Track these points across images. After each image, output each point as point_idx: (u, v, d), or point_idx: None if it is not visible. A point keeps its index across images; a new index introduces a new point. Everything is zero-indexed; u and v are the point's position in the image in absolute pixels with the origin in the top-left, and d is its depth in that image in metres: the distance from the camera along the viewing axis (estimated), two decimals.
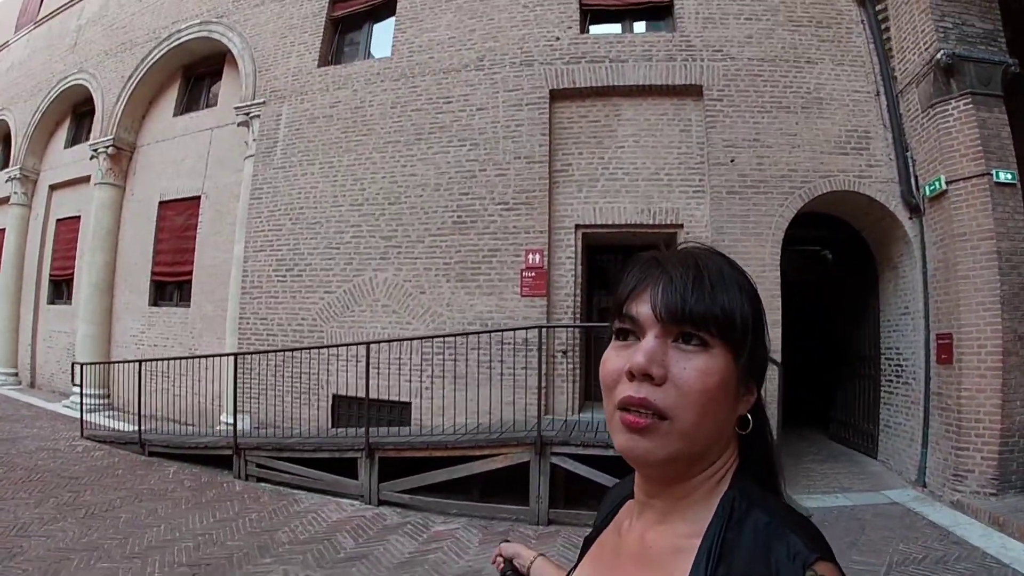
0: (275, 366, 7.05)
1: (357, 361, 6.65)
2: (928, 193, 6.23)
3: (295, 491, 5.95)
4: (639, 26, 7.55)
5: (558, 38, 7.18)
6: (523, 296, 6.67)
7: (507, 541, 1.15)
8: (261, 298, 7.85)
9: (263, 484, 6.19)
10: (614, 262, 7.53)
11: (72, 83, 11.12)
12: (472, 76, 7.31)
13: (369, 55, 8.39)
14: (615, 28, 7.50)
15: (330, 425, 7.21)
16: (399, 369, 6.41)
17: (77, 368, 8.05)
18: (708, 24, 6.97)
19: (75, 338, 10.43)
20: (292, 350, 7.04)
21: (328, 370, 6.99)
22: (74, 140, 11.72)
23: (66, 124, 11.88)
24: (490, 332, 6.25)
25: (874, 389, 7.20)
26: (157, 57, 9.83)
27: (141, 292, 9.71)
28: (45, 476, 5.96)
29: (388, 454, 5.75)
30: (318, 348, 7.00)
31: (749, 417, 0.67)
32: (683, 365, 0.60)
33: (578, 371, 6.62)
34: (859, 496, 5.81)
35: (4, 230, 12.20)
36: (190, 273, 9.14)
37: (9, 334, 11.71)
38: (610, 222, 6.78)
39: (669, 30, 7.20)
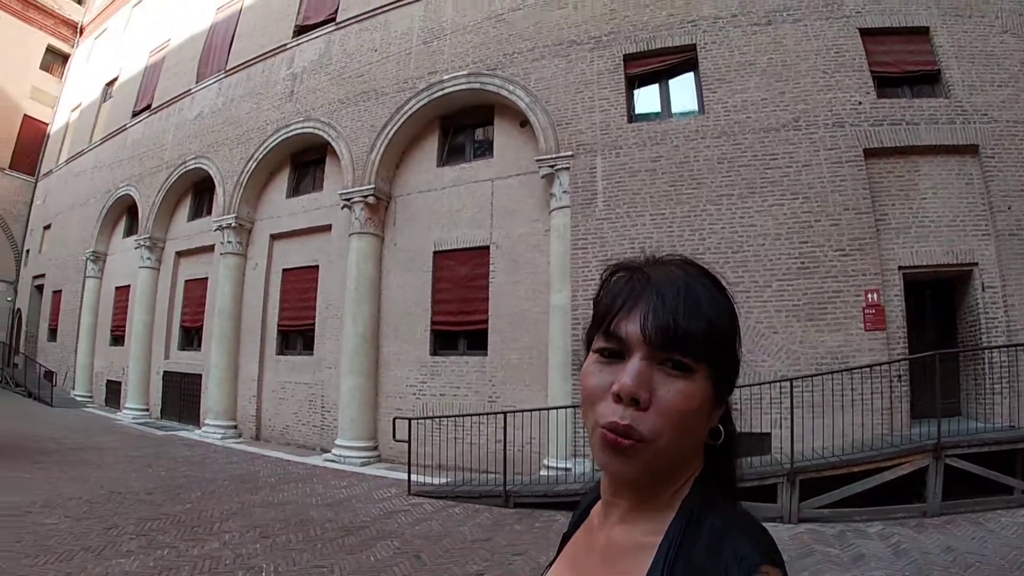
0: None
1: None
2: None
3: None
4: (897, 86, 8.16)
5: (860, 102, 7.75)
6: (866, 330, 7.21)
7: None
8: None
9: None
10: (926, 296, 8.13)
11: (297, 132, 10.93)
12: (791, 135, 7.74)
13: (670, 111, 8.69)
14: (895, 91, 8.08)
15: None
16: (759, 403, 6.99)
17: (402, 424, 7.74)
18: (973, 91, 7.71)
19: (322, 390, 10.21)
20: None
21: None
22: (296, 190, 11.48)
23: (284, 174, 11.59)
24: (851, 370, 6.89)
25: None
26: (416, 107, 9.75)
27: (418, 342, 9.45)
28: (454, 545, 5.43)
29: (809, 475, 6.21)
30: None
31: (720, 428, 0.69)
32: (667, 388, 0.62)
33: (907, 391, 7.21)
34: None
35: (206, 279, 11.85)
36: (484, 322, 8.98)
37: (227, 385, 11.15)
38: (923, 263, 7.46)
39: (941, 95, 7.89)
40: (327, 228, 10.69)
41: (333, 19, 11.60)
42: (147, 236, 13.56)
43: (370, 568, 4.73)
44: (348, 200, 9.97)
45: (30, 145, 21.19)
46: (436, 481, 7.89)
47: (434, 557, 5.04)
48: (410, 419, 7.95)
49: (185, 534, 5.39)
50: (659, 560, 0.62)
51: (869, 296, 7.41)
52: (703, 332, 0.62)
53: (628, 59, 8.81)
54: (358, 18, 11.19)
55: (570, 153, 8.62)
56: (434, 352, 9.49)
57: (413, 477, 7.68)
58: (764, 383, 6.97)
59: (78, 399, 15.34)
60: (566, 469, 7.79)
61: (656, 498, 0.67)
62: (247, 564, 4.70)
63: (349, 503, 7.04)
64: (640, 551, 0.65)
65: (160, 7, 16.98)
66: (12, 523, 5.34)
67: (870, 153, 7.71)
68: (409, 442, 7.71)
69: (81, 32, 22.38)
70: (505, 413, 7.52)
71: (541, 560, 5.11)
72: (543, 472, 7.97)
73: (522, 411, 7.73)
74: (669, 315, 0.62)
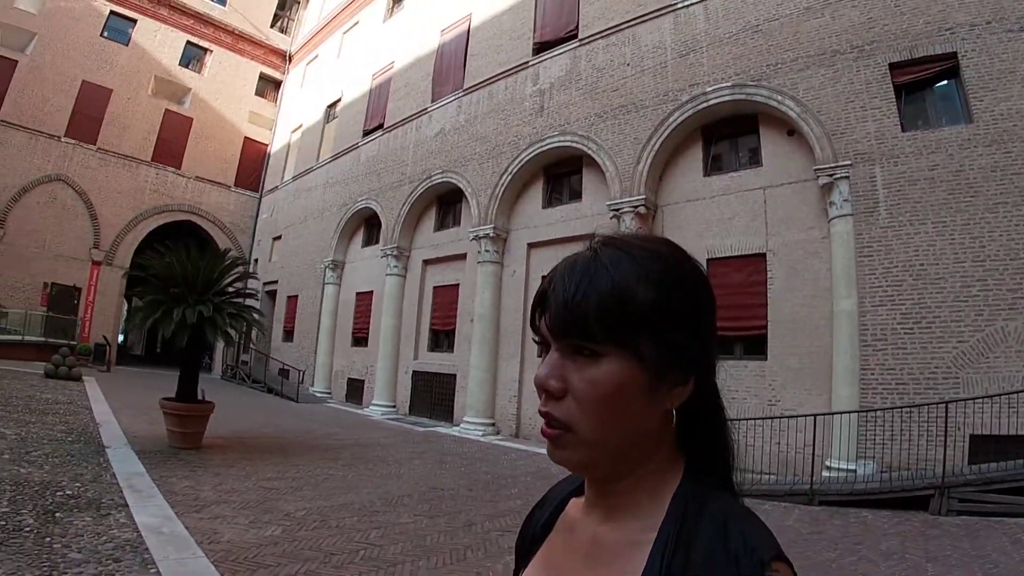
0: (906, 412, 8.28)
1: (994, 403, 7.85)
2: None
3: (1007, 519, 6.85)
4: None
5: None
6: None
7: None
8: (887, 350, 8.95)
9: (963, 516, 7.12)
10: None
11: (553, 145, 12.82)
12: None
13: (938, 120, 9.54)
14: None
15: (967, 462, 8.22)
16: None
17: None
18: None
19: None
20: None
21: (965, 413, 8.14)
22: (550, 201, 13.45)
23: (537, 185, 13.60)
24: None
25: None
26: (680, 119, 11.20)
27: None
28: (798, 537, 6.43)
29: None
30: None
31: (674, 412, 0.68)
32: (577, 376, 0.63)
33: None
34: None
35: (457, 285, 14.00)
36: (761, 328, 10.27)
37: (487, 386, 13.23)
38: None
39: None
40: (589, 237, 12.11)
41: (574, 35, 13.41)
42: (393, 246, 16.25)
43: None
44: (617, 210, 11.64)
45: (251, 164, 25.54)
46: None
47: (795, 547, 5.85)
48: None
49: None
50: (655, 556, 0.62)
51: None
52: (595, 310, 0.62)
53: (892, 68, 9.80)
54: (602, 34, 12.91)
55: (848, 162, 9.67)
56: None
57: None
58: None
59: (318, 395, 18.44)
60: (851, 470, 8.73)
61: (636, 490, 0.68)
62: None
63: None
64: (632, 548, 0.66)
65: (376, 32, 19.80)
66: (373, 524, 5.74)
67: None
68: None
69: (290, 60, 26.66)
70: (786, 417, 8.91)
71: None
72: (825, 473, 9.00)
73: (805, 415, 8.83)
74: (561, 302, 0.64)
